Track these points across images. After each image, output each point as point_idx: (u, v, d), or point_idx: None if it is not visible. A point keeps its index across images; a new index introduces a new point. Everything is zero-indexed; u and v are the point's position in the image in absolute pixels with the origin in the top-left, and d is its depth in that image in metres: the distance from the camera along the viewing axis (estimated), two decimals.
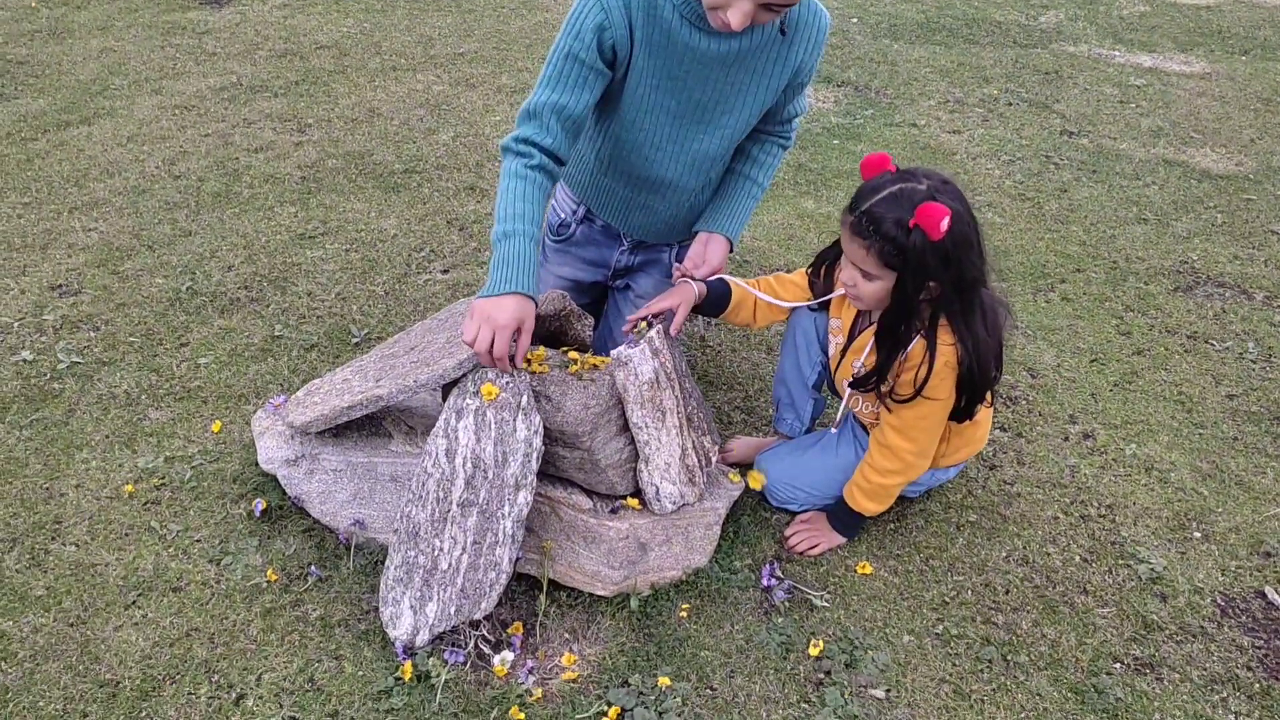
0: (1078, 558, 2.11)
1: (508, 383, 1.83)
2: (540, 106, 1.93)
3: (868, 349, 1.95)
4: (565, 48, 1.90)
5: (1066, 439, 2.45)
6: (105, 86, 4.11)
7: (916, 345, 1.86)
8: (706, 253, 2.15)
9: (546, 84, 1.93)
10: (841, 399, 2.10)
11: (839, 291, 2.04)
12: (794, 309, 2.15)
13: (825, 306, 2.11)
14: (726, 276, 2.14)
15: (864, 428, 2.16)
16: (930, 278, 1.77)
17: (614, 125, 2.07)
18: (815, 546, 2.08)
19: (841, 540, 2.10)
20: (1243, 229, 3.46)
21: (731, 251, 2.23)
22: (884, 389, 1.93)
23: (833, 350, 2.10)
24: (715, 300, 2.11)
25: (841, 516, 2.10)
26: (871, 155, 1.84)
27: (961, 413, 1.95)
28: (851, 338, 2.02)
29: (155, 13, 4.91)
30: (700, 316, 2.82)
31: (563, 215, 2.37)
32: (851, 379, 1.99)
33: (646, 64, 1.94)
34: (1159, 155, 4.00)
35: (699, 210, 2.25)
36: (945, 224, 1.68)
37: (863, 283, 1.84)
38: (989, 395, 1.97)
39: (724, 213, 2.20)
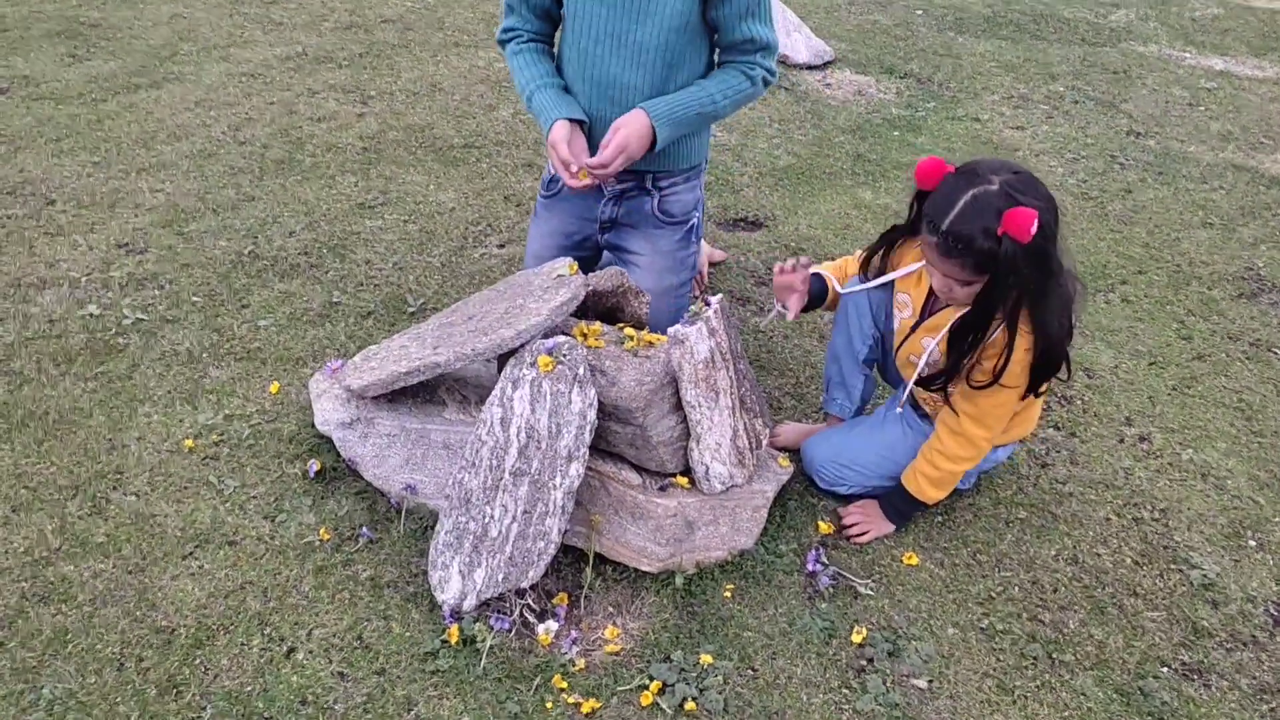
0: (1129, 560, 2.09)
1: (565, 354, 1.84)
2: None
3: (944, 333, 1.92)
4: None
5: (1122, 441, 2.42)
6: (175, 51, 4.18)
7: (998, 334, 1.84)
8: (618, 127, 2.07)
9: None
10: (894, 381, 2.09)
11: (909, 268, 2.02)
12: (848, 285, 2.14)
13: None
14: (817, 267, 2.13)
15: (916, 410, 2.14)
16: (1021, 279, 1.74)
17: (566, 27, 2.20)
18: (865, 534, 2.07)
19: (891, 529, 2.10)
20: None
21: (653, 148, 2.13)
22: (958, 377, 1.92)
23: (898, 324, 2.07)
24: (816, 297, 2.12)
25: (897, 504, 2.09)
26: (924, 162, 1.81)
27: (1029, 391, 1.92)
28: (923, 316, 2.00)
29: None
30: (752, 303, 2.82)
31: (551, 171, 2.38)
32: (919, 372, 1.98)
33: None
34: (1227, 160, 3.91)
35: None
36: (1034, 227, 1.66)
37: (959, 289, 1.82)
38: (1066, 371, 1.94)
39: (660, 100, 2.12)
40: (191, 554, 1.92)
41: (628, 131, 2.07)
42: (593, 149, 2.17)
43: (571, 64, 2.20)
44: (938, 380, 1.94)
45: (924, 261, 1.91)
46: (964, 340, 1.87)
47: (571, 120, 2.14)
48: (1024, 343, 1.83)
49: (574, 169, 2.09)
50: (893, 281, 2.07)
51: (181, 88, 3.85)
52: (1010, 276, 1.73)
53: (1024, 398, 1.94)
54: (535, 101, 2.17)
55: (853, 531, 2.08)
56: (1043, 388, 1.94)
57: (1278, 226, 3.44)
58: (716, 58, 2.24)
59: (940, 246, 1.75)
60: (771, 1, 2.18)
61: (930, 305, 2.01)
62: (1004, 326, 1.82)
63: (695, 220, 2.42)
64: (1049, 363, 1.86)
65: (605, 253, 2.49)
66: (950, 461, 2.00)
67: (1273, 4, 5.87)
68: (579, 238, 2.41)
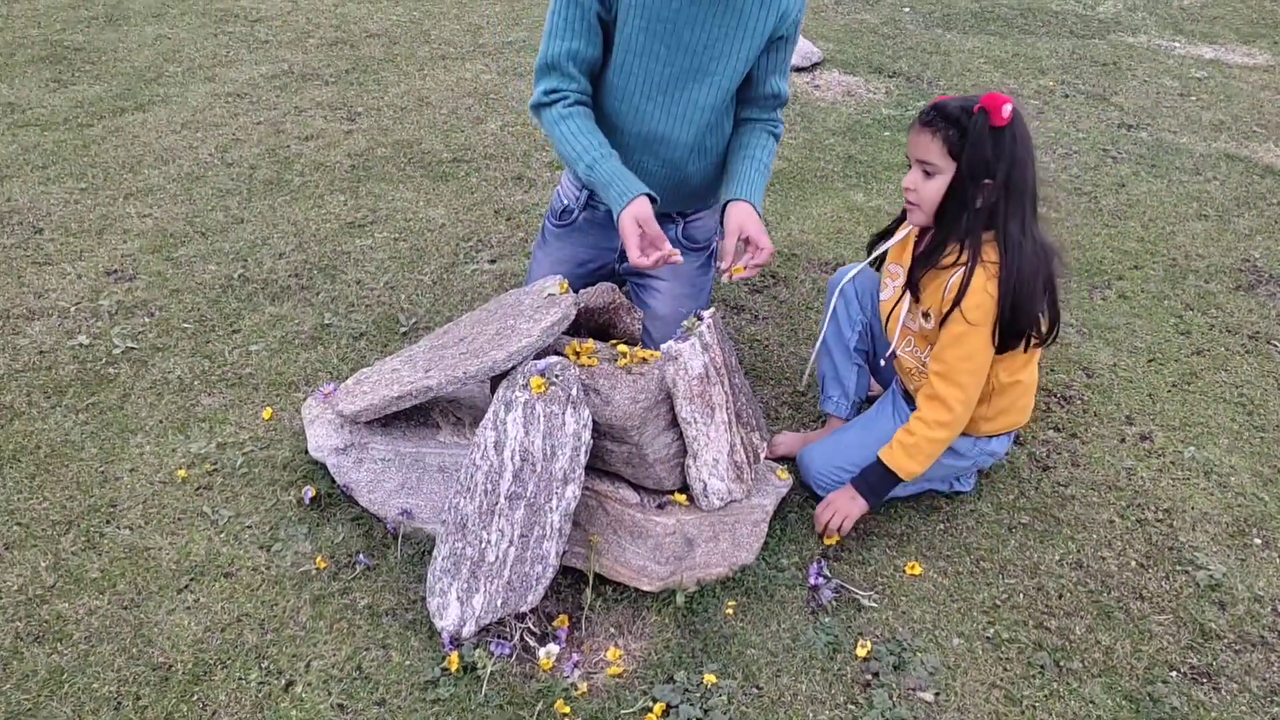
0: (1134, 563, 2.07)
1: (558, 375, 1.82)
2: (556, 56, 2.00)
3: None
4: None
5: (1123, 440, 2.40)
6: (160, 73, 4.16)
7: (956, 256, 1.88)
8: (744, 225, 2.06)
9: (555, 35, 2.00)
10: (885, 381, 2.09)
11: (898, 236, 2.06)
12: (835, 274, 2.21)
13: (879, 265, 2.15)
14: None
15: (906, 399, 2.13)
16: (987, 173, 1.80)
17: (608, 74, 2.09)
18: (844, 521, 2.02)
19: (864, 506, 2.03)
20: None
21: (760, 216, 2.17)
22: (924, 308, 1.95)
23: (887, 295, 2.07)
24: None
25: (870, 480, 2.02)
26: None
27: (1001, 344, 1.91)
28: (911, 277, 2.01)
29: (208, 0, 4.96)
30: (746, 311, 2.80)
31: (566, 201, 2.37)
32: (900, 320, 2.01)
33: (635, 4, 1.96)
34: (1220, 150, 3.90)
35: (693, 178, 2.24)
36: (1008, 110, 1.75)
37: (923, 183, 1.88)
38: (1035, 344, 1.94)
39: (740, 181, 2.15)
40: (187, 587, 1.90)
41: (756, 223, 2.07)
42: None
43: (615, 116, 2.14)
44: (923, 262, 1.94)
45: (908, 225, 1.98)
46: (941, 231, 1.90)
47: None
48: (986, 275, 1.85)
49: (665, 250, 1.94)
50: (883, 258, 2.08)
51: (167, 110, 3.84)
52: (977, 163, 1.79)
53: (1000, 349, 1.91)
54: (600, 172, 2.00)
55: (834, 523, 2.03)
56: (1019, 345, 1.91)
57: (1273, 216, 3.42)
58: (738, 111, 2.24)
59: (922, 117, 1.86)
60: None
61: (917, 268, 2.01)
62: (966, 245, 1.86)
63: (715, 245, 2.43)
64: (1016, 314, 1.85)
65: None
66: (926, 427, 1.96)
67: None
68: (594, 265, 2.38)
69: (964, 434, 2.03)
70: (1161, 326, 2.83)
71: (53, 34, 4.54)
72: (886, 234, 2.11)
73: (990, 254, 1.86)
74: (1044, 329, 1.93)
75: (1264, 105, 4.33)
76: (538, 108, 2.07)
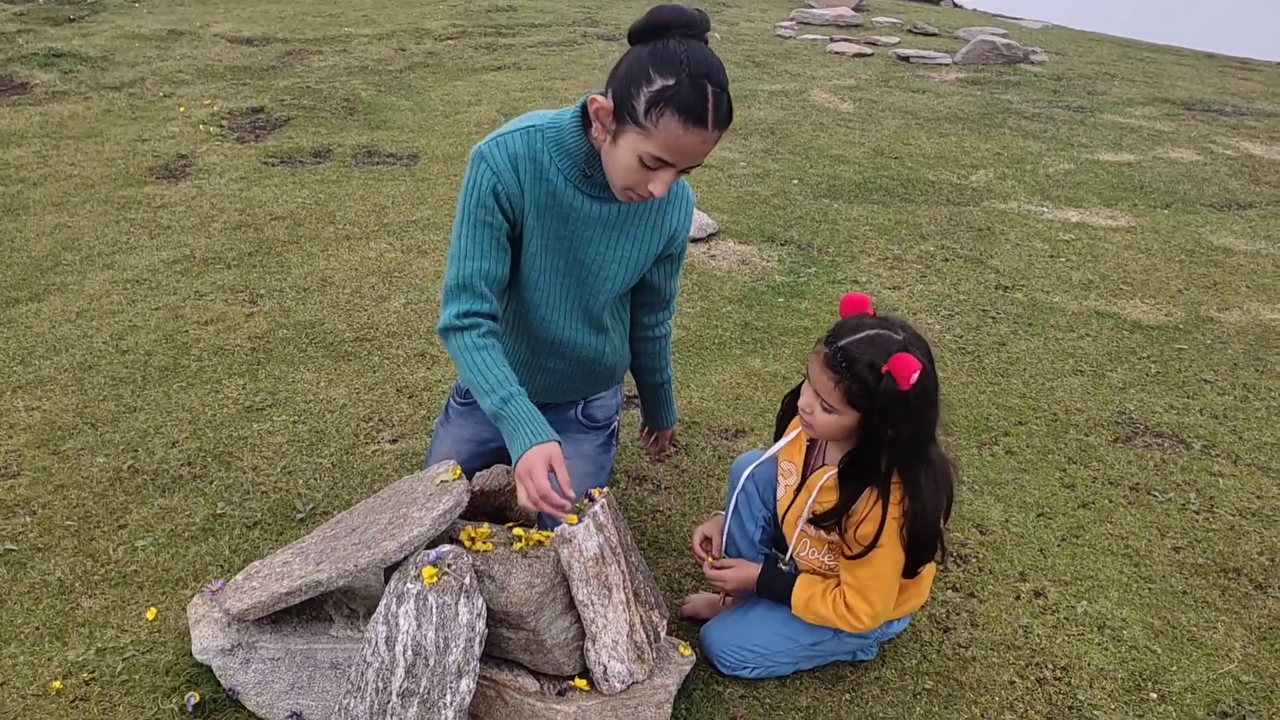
0: None
1: (450, 564, 1.80)
2: (469, 276, 2.01)
3: (819, 488, 1.97)
4: (470, 215, 2.00)
5: (1018, 597, 2.45)
6: (57, 262, 4.14)
7: (869, 499, 1.88)
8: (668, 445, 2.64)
9: (465, 256, 2.01)
10: (788, 562, 2.09)
11: (789, 437, 2.09)
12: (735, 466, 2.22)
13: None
14: (805, 576, 2.12)
15: None
16: (891, 425, 1.82)
17: (515, 287, 2.15)
18: (727, 583, 2.12)
19: (752, 583, 2.11)
20: (1176, 378, 3.56)
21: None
22: (838, 538, 1.95)
23: (782, 493, 2.11)
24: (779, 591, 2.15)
25: (772, 584, 2.10)
26: (852, 295, 1.93)
27: (907, 569, 1.96)
28: (804, 477, 2.04)
29: (111, 188, 4.99)
30: (648, 482, 2.82)
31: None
32: (809, 517, 1.99)
33: (536, 224, 2.04)
34: (1091, 307, 4.14)
35: (594, 369, 2.33)
36: (915, 377, 1.75)
37: (820, 413, 1.89)
38: (939, 553, 1.98)
39: (659, 409, 2.56)
40: None
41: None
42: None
43: (520, 323, 2.21)
44: (831, 517, 1.96)
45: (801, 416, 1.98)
46: (851, 477, 1.91)
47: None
48: (895, 510, 1.88)
49: (568, 495, 1.90)
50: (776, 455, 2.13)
51: (63, 299, 3.80)
52: (885, 418, 1.81)
53: (906, 575, 1.96)
54: (513, 409, 1.95)
55: (714, 577, 2.12)
56: (921, 570, 1.97)
57: (1144, 370, 3.62)
58: (633, 314, 2.37)
59: (827, 357, 1.84)
60: None
61: (811, 462, 2.06)
62: (875, 488, 1.88)
63: (615, 424, 2.50)
64: (923, 539, 1.90)
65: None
66: (837, 617, 2.00)
67: (1118, 157, 6.35)
68: (495, 444, 2.37)
69: None
70: (1047, 481, 2.93)
71: None
72: (787, 410, 2.15)
73: (895, 493, 1.90)
74: (943, 552, 2.01)
75: (1128, 264, 4.64)
76: (448, 331, 2.02)
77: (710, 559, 2.20)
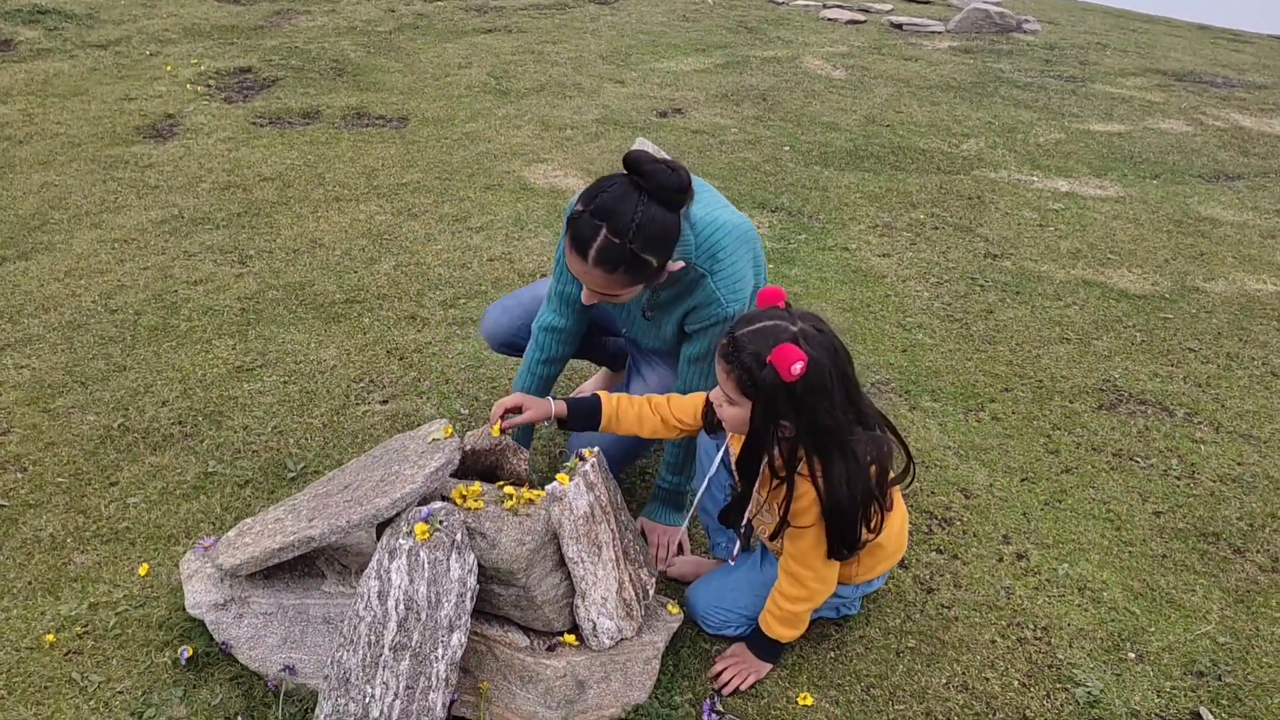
0: (1016, 682, 2.12)
1: (442, 521, 1.82)
2: (556, 291, 2.33)
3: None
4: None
5: (1001, 559, 2.49)
6: (44, 221, 4.11)
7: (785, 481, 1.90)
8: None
9: (559, 275, 2.30)
10: (744, 529, 2.12)
11: None
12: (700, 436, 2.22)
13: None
14: (601, 392, 2.18)
15: None
16: (781, 417, 1.81)
17: None
18: (745, 680, 2.06)
19: (769, 667, 2.09)
20: (1161, 347, 3.59)
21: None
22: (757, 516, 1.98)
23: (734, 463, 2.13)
24: (584, 415, 2.15)
25: (762, 644, 2.08)
26: (768, 288, 1.91)
27: (834, 553, 1.95)
28: None
29: (98, 146, 4.95)
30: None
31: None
32: (746, 514, 2.02)
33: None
34: (1078, 276, 4.16)
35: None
36: (798, 368, 1.73)
37: (725, 405, 1.89)
38: (872, 529, 1.96)
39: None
40: None
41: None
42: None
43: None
44: (730, 514, 2.01)
45: None
46: (744, 470, 1.93)
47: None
48: (809, 494, 1.88)
49: (495, 417, 2.16)
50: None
51: (51, 258, 3.79)
52: (770, 409, 1.79)
53: (837, 558, 1.96)
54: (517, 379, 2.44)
55: (734, 683, 2.05)
56: (856, 553, 1.98)
57: (1129, 339, 3.65)
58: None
59: (723, 349, 1.84)
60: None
61: None
62: (780, 472, 1.89)
63: None
64: (838, 529, 1.90)
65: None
66: (789, 601, 2.01)
67: (1109, 127, 6.36)
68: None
69: (841, 583, 2.08)
70: (1032, 446, 2.96)
71: None
72: None
73: (808, 474, 1.88)
74: (875, 525, 1.96)
75: (1116, 234, 4.66)
76: (534, 332, 2.40)
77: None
